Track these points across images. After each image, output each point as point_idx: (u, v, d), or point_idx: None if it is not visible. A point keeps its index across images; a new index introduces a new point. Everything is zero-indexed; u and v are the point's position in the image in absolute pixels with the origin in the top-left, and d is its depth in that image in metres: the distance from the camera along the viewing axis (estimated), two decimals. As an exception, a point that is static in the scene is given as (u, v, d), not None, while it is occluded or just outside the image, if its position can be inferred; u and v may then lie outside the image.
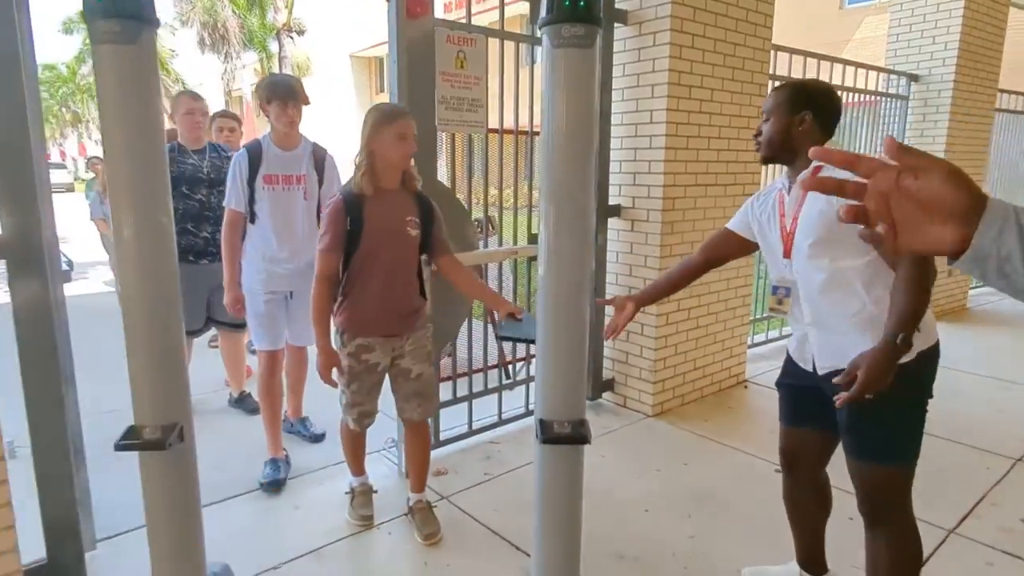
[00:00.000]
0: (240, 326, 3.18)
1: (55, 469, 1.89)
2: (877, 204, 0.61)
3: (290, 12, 16.86)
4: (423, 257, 2.24)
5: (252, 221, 2.61)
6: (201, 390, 3.53)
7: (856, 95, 4.85)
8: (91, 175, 7.37)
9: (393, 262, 2.11)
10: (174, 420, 1.50)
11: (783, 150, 1.64)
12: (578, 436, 1.51)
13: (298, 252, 2.64)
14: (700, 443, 3.12)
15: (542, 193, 1.53)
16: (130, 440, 1.47)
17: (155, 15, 1.41)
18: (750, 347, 4.25)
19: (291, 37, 17.06)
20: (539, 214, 1.58)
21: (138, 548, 1.70)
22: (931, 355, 1.56)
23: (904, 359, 1.42)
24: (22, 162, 1.74)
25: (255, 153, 2.56)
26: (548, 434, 1.51)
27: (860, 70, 4.82)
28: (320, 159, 2.68)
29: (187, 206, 3.07)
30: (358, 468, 2.44)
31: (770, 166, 4.00)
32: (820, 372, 1.64)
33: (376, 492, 2.46)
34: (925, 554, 2.05)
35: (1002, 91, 5.87)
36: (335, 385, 2.16)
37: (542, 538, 1.64)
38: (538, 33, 3.00)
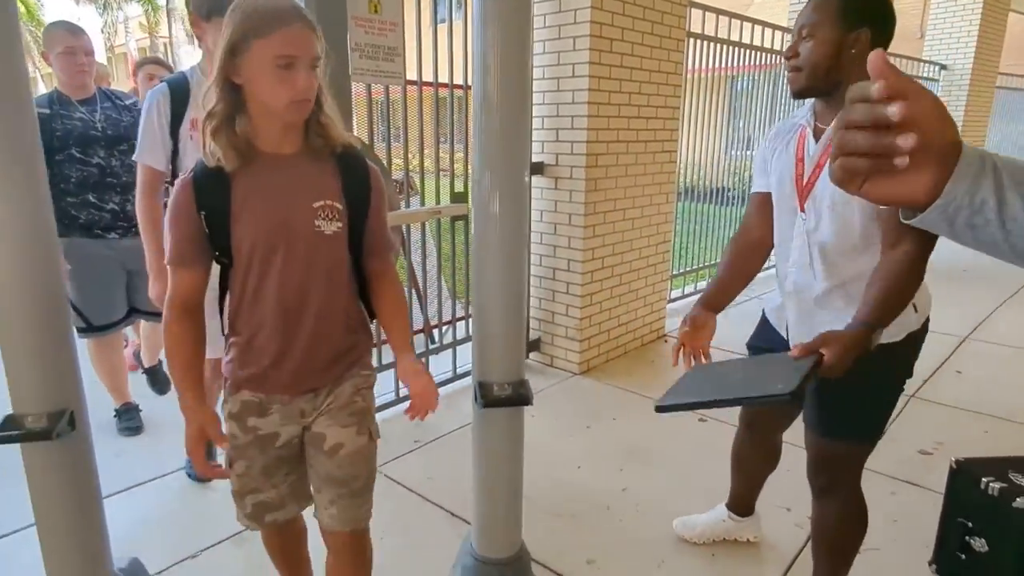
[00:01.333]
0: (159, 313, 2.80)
1: None
2: (865, 139, 0.51)
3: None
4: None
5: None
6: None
7: (765, 56, 4.97)
8: None
9: (297, 277, 1.24)
10: (62, 406, 1.32)
11: (828, 79, 1.32)
12: (519, 397, 1.46)
13: None
14: (626, 398, 3.18)
15: (476, 155, 1.43)
16: (9, 431, 1.28)
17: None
18: (669, 302, 4.36)
19: (176, -16, 15.65)
20: (472, 173, 1.48)
21: (29, 549, 1.51)
22: (919, 335, 1.44)
23: (891, 339, 1.33)
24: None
25: (179, 90, 1.92)
26: (488, 397, 1.45)
27: (767, 29, 4.95)
28: None
29: (84, 173, 2.48)
30: None
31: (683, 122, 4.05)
32: (792, 343, 1.48)
33: None
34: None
35: (1002, 74, 6.50)
36: (216, 473, 1.38)
37: (483, 503, 1.59)
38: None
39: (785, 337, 1.57)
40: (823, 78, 1.31)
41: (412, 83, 2.84)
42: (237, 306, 1.28)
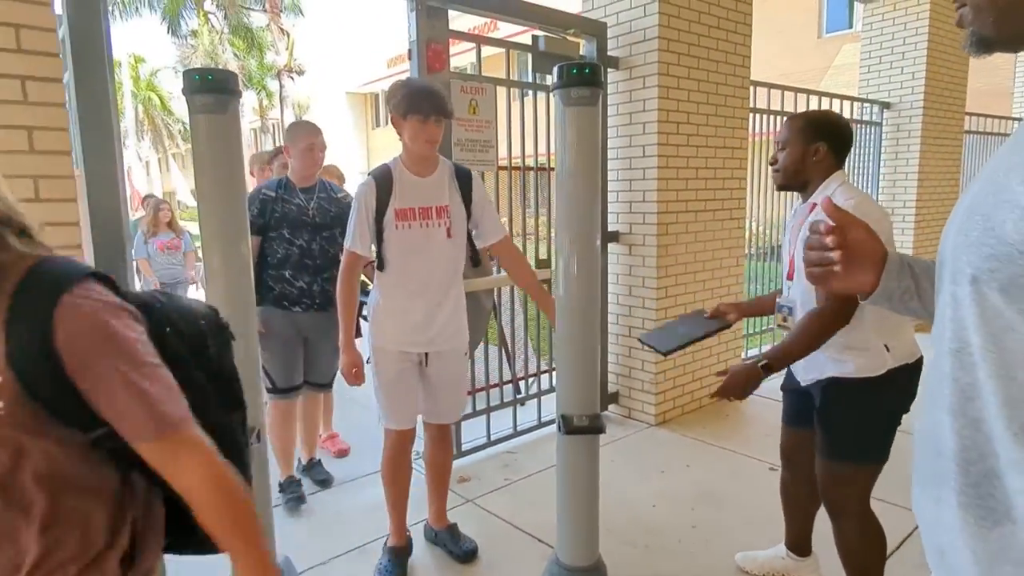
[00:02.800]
0: (326, 385, 3.03)
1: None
2: (817, 256, 0.84)
3: (291, 54, 17.52)
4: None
5: (381, 268, 2.12)
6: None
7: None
8: (140, 213, 6.88)
9: None
10: (252, 424, 1.78)
11: (798, 179, 1.75)
12: (595, 427, 1.79)
13: (435, 311, 2.11)
14: (700, 447, 3.39)
15: (558, 224, 1.84)
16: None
17: (239, 88, 1.73)
18: (744, 360, 4.53)
19: (291, 77, 17.70)
20: (555, 242, 1.88)
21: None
22: (902, 372, 1.69)
23: (870, 373, 1.66)
24: (113, 204, 2.03)
25: (384, 181, 2.07)
26: (569, 426, 1.80)
27: (835, 99, 5.21)
28: (465, 181, 2.15)
29: (287, 251, 2.71)
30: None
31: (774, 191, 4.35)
32: (803, 384, 1.85)
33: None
34: (903, 535, 2.32)
35: (970, 114, 6.27)
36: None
37: (566, 518, 1.91)
38: (537, 80, 3.34)
39: (799, 379, 1.89)
40: (794, 178, 1.76)
41: (503, 168, 3.34)
42: None
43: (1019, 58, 8.33)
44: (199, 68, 1.66)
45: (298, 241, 2.73)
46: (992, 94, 9.81)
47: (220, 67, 18.11)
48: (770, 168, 1.82)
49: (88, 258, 1.97)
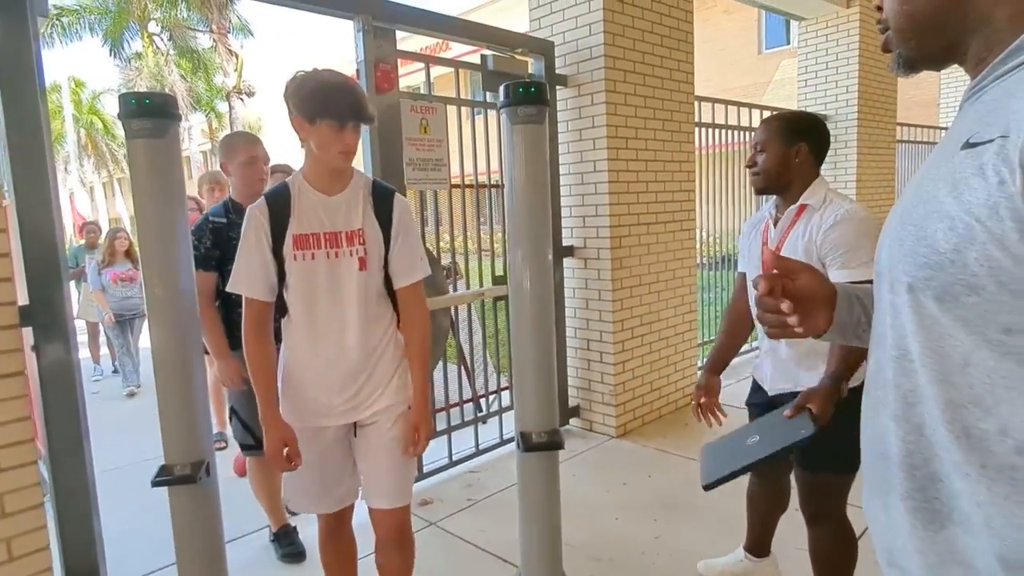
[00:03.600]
0: None
1: (77, 514, 2.05)
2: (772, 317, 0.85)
3: (239, 76, 17.25)
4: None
5: (282, 315, 1.69)
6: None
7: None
8: (80, 242, 6.51)
9: None
10: (201, 457, 1.72)
11: (781, 181, 1.70)
12: (554, 443, 1.79)
13: (356, 366, 1.65)
14: (661, 457, 3.42)
15: (510, 241, 1.85)
16: (163, 477, 1.68)
17: (179, 112, 1.68)
18: (700, 368, 4.61)
19: (241, 99, 17.42)
20: (508, 259, 1.88)
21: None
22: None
23: (854, 384, 1.60)
24: (47, 233, 1.95)
25: (279, 201, 1.63)
26: (528, 443, 1.79)
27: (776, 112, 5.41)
28: (384, 199, 1.69)
29: None
30: None
31: (702, 205, 4.46)
32: (771, 393, 1.84)
33: None
34: (857, 531, 2.38)
35: (901, 124, 6.59)
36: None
37: (529, 537, 1.89)
38: (487, 98, 3.37)
39: (766, 388, 1.87)
40: (776, 180, 1.72)
41: (456, 186, 3.34)
42: None
43: (943, 71, 8.81)
44: (135, 92, 1.62)
45: None
46: (920, 105, 10.37)
47: (167, 89, 17.83)
48: (748, 172, 1.76)
49: (20, 291, 1.88)
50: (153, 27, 18.47)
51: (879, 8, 0.73)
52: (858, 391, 1.66)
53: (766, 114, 5.24)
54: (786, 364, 1.79)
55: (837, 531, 1.80)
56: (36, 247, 1.94)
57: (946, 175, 0.61)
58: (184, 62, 18.68)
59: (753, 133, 1.78)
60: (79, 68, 34.33)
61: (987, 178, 0.55)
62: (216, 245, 2.29)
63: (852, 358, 1.56)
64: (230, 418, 2.48)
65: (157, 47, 18.81)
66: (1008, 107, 0.56)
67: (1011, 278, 0.55)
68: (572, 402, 3.92)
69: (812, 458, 1.75)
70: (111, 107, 23.28)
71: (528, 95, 1.74)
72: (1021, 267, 0.54)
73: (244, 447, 2.45)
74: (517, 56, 3.44)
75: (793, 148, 1.68)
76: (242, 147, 2.37)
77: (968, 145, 0.59)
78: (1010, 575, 0.57)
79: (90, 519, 2.09)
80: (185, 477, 1.67)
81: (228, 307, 2.30)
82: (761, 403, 1.88)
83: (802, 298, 0.84)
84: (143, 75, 17.92)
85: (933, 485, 0.64)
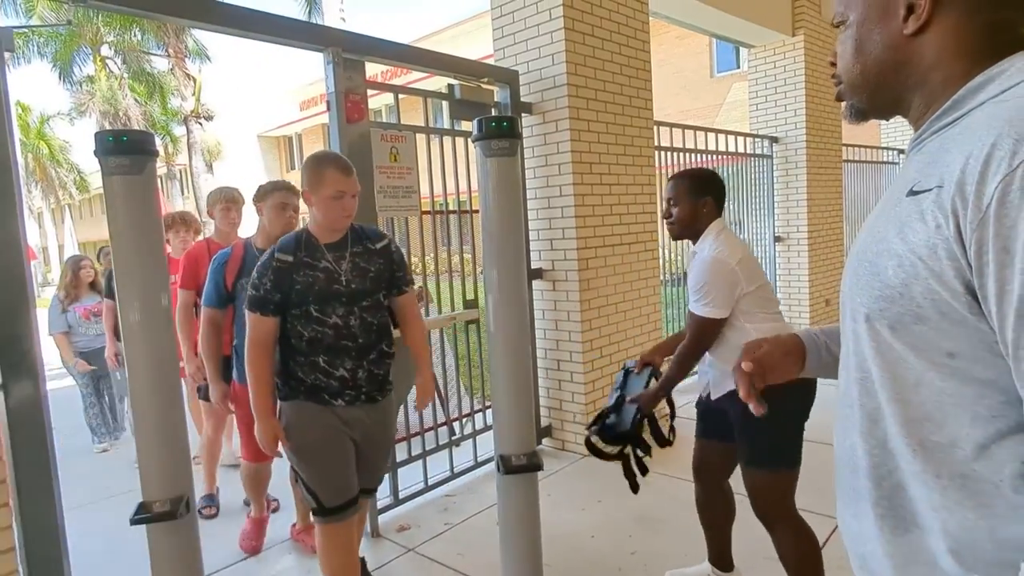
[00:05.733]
0: (373, 491, 2.35)
1: (47, 555, 1.99)
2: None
3: (197, 99, 16.97)
4: None
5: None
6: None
7: (728, 155, 5.63)
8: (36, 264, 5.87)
9: None
10: (180, 492, 1.71)
11: (692, 229, 2.03)
12: (533, 464, 1.84)
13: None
14: (633, 473, 3.48)
15: (486, 265, 1.91)
16: (143, 515, 1.66)
17: (156, 148, 1.70)
18: (667, 384, 4.71)
19: (199, 123, 17.12)
20: (484, 283, 1.94)
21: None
22: (793, 389, 1.94)
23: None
24: (16, 269, 1.92)
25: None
26: (508, 466, 1.83)
27: (730, 136, 5.64)
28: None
29: (318, 333, 2.02)
30: None
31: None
32: (713, 399, 2.04)
33: None
34: (822, 539, 2.48)
35: (846, 145, 6.93)
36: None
37: (509, 559, 1.93)
38: (455, 126, 3.44)
39: (706, 396, 2.09)
40: (689, 229, 2.03)
41: (426, 213, 3.39)
42: None
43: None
44: (112, 130, 1.64)
45: (331, 319, 2.00)
46: (863, 126, 10.85)
47: (119, 112, 17.45)
48: (665, 221, 2.06)
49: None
50: (106, 50, 18.08)
51: (833, 64, 0.82)
52: (778, 389, 1.83)
53: (720, 137, 5.48)
54: (721, 375, 2.02)
55: (794, 528, 1.93)
56: (2, 283, 1.91)
57: (894, 218, 0.69)
58: (138, 86, 18.31)
59: (668, 186, 2.07)
60: (26, 92, 33.32)
61: (927, 223, 0.64)
62: (277, 287, 1.97)
63: (671, 375, 1.99)
64: (295, 481, 2.24)
65: (110, 70, 18.39)
66: (943, 160, 0.65)
67: (950, 309, 0.63)
68: (544, 422, 3.96)
69: (750, 453, 1.93)
70: (61, 132, 22.69)
71: (501, 129, 1.82)
72: (958, 299, 0.62)
73: (314, 513, 2.08)
74: (483, 85, 3.53)
75: (701, 201, 1.98)
76: (332, 178, 2.00)
77: (912, 192, 0.68)
78: (966, 572, 0.65)
79: (59, 559, 2.03)
80: (165, 514, 1.66)
81: (285, 352, 2.06)
82: (707, 407, 2.13)
83: (769, 363, 0.96)
84: (96, 99, 17.48)
85: (897, 494, 0.71)
